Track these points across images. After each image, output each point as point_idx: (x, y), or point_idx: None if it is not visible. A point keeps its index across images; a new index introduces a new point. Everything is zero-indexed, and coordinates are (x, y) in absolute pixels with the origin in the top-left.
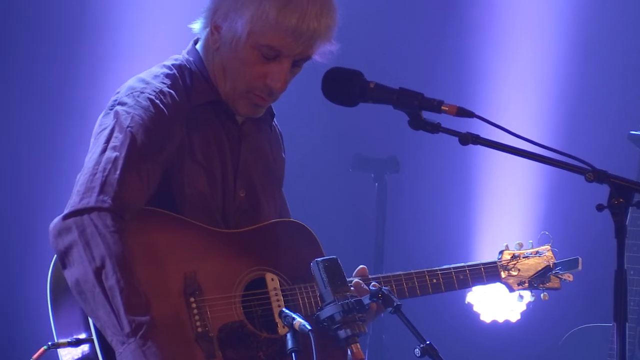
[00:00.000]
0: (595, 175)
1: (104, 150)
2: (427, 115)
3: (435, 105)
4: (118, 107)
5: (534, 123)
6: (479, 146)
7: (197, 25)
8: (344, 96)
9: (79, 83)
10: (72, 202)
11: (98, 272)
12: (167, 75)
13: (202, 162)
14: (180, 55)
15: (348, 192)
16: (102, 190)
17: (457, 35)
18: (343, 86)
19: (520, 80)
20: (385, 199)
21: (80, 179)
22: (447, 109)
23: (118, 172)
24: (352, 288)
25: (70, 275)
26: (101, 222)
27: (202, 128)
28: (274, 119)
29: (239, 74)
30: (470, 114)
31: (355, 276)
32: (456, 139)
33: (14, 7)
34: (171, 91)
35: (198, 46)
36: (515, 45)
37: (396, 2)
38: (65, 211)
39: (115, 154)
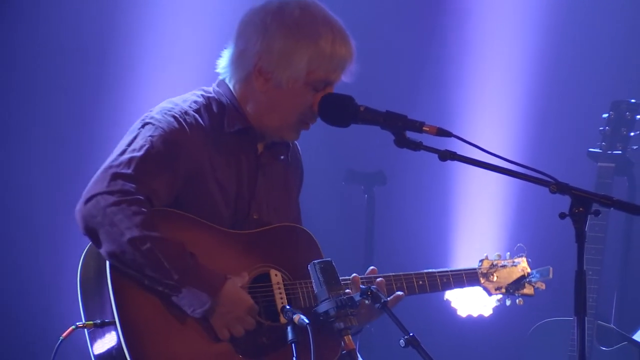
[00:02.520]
0: (558, 187)
1: (123, 152)
2: (410, 134)
3: (418, 126)
4: (147, 120)
5: (504, 142)
6: (456, 162)
7: (223, 65)
8: (337, 118)
9: (109, 87)
10: (88, 189)
11: (132, 242)
12: (195, 102)
13: (221, 183)
14: (210, 88)
15: (341, 202)
16: (113, 179)
17: (437, 64)
18: (337, 110)
19: (492, 104)
20: (373, 208)
21: (97, 172)
22: (428, 129)
23: (131, 169)
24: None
25: (105, 251)
26: (116, 200)
27: (225, 154)
28: (295, 145)
29: (291, 109)
30: (449, 134)
31: (367, 274)
32: (436, 155)
33: (45, 18)
34: (196, 115)
35: (227, 80)
36: (488, 73)
37: (382, 35)
38: (83, 198)
39: (132, 155)
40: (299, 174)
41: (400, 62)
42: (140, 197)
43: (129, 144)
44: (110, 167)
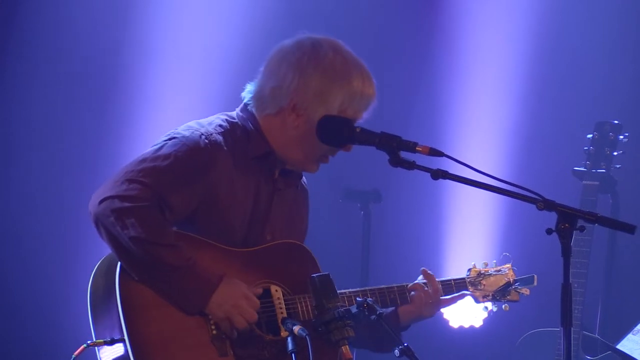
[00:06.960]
0: (545, 204)
1: (144, 160)
2: (404, 154)
3: (411, 146)
4: (174, 135)
5: (494, 161)
6: (448, 180)
7: (251, 97)
8: (335, 139)
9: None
10: (104, 189)
11: (138, 243)
12: (220, 125)
13: (237, 204)
14: (234, 113)
15: (339, 219)
16: (130, 184)
17: (428, 88)
18: (334, 131)
19: (483, 125)
20: (369, 224)
21: (115, 174)
22: (420, 149)
23: (150, 179)
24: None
25: (114, 249)
26: (130, 205)
27: (245, 177)
28: (303, 178)
29: (318, 147)
30: (440, 154)
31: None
32: (429, 174)
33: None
34: (220, 138)
35: (254, 110)
36: (478, 97)
37: (377, 61)
38: (98, 197)
39: (154, 164)
40: (307, 204)
41: (393, 86)
42: (153, 206)
43: (153, 154)
44: (130, 171)
